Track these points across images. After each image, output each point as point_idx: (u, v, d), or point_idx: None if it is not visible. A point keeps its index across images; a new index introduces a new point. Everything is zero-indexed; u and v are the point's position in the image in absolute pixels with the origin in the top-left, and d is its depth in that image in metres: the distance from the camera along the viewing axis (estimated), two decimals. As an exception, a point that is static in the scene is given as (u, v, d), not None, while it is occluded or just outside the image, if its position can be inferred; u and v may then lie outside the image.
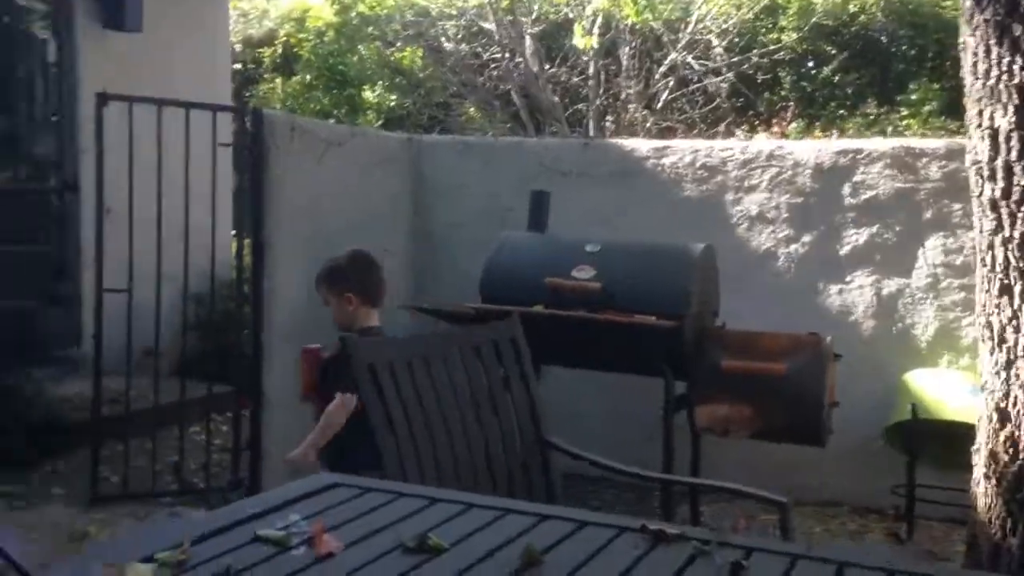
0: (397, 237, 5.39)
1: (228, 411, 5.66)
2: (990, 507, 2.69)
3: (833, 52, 8.51)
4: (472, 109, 8.40)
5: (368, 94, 8.43)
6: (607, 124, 8.26)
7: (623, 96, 8.12)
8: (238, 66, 8.21)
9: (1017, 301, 2.56)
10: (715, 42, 8.38)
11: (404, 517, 1.72)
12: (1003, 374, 2.62)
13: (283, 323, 4.67)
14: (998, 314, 2.63)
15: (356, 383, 2.88)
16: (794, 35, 8.44)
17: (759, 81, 8.65)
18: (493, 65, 8.39)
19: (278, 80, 8.95)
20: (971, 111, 2.74)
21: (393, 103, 8.37)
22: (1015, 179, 2.56)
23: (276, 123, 4.54)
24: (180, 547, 1.51)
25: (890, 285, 4.68)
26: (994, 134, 2.61)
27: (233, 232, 6.68)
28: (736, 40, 8.46)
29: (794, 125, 8.02)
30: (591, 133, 8.14)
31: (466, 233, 5.23)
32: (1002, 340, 2.62)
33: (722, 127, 8.33)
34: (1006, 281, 2.59)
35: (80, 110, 6.12)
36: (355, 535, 1.61)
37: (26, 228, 6.30)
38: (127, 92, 4.46)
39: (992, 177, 2.62)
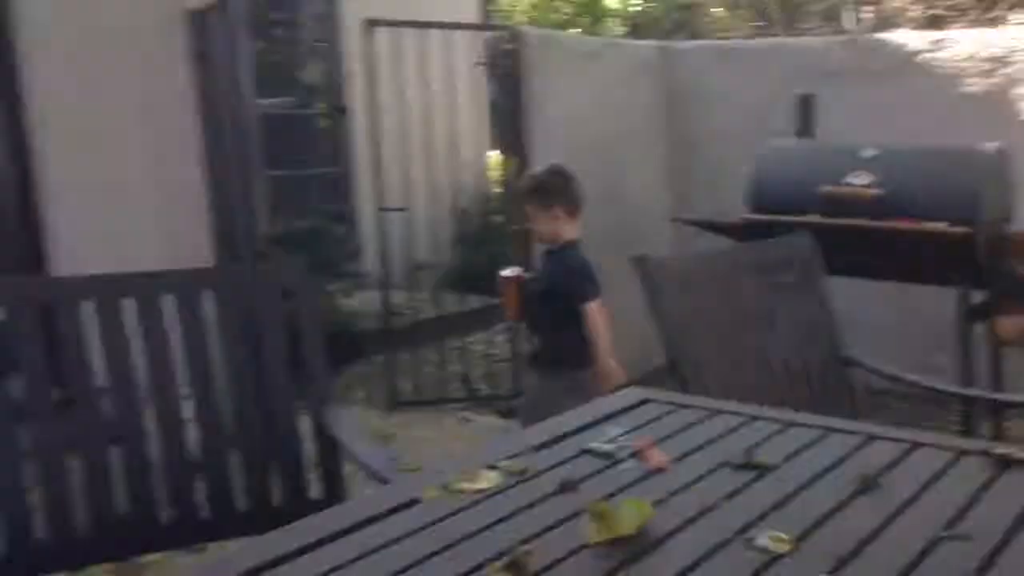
0: (653, 148, 5.35)
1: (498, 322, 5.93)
2: None
3: None
4: (718, 9, 8.09)
5: (610, 1, 8.30)
6: (865, 16, 7.71)
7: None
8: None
9: None
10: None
11: (723, 434, 1.74)
12: None
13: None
14: None
15: (595, 286, 3.17)
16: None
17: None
18: (741, -40, 8.03)
19: (522, -6, 8.98)
20: None
21: (637, 8, 8.19)
22: None
23: (533, 40, 4.59)
24: (520, 457, 1.62)
25: None
26: None
27: (492, 152, 6.86)
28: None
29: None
30: (847, 26, 7.64)
31: (725, 141, 5.09)
32: None
33: (998, 12, 7.58)
34: None
35: (344, 36, 6.43)
36: (677, 450, 1.66)
37: (303, 151, 6.77)
38: (382, 16, 4.60)
39: None
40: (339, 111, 6.53)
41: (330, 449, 2.26)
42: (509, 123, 4.69)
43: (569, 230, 3.28)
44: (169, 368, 2.13)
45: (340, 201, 6.72)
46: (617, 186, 5.14)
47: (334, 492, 2.29)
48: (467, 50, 4.74)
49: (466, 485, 1.52)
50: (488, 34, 5.35)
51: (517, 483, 1.54)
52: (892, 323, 4.57)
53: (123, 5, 3.90)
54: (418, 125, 4.72)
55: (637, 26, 8.13)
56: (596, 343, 3.18)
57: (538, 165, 4.66)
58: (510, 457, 1.62)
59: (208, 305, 2.19)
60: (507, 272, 3.33)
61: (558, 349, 3.24)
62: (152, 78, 4.02)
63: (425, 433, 4.38)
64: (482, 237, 6.29)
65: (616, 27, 8.14)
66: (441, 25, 4.53)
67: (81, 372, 2.04)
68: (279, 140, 6.27)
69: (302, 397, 2.26)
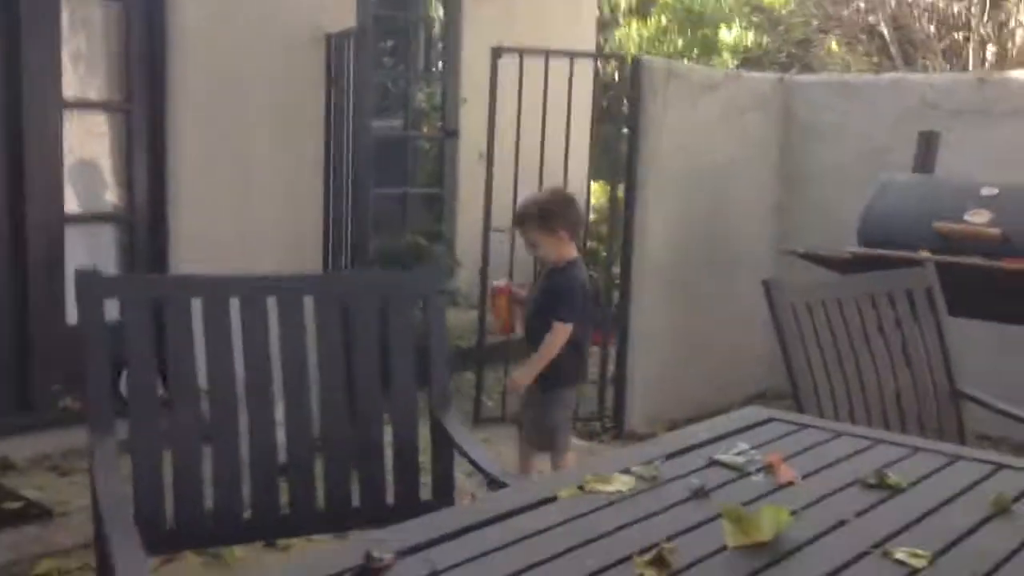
0: (763, 179, 5.35)
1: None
2: None
3: None
4: (834, 44, 8.03)
5: (724, 34, 8.32)
6: (989, 55, 7.57)
7: (1011, 23, 7.39)
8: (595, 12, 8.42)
9: None
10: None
11: (850, 455, 1.75)
12: None
13: (651, 262, 4.83)
14: None
15: (572, 312, 3.22)
16: None
17: None
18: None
19: (634, 24, 9.07)
20: None
21: (751, 42, 8.20)
22: None
23: (654, 69, 4.65)
24: (652, 464, 1.66)
25: None
26: None
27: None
28: None
29: None
30: (970, 66, 7.50)
31: (839, 175, 5.06)
32: None
33: None
34: None
35: (461, 61, 6.60)
36: (805, 468, 1.68)
37: (406, 171, 6.94)
38: (500, 43, 4.70)
39: None
40: (449, 134, 6.68)
41: (446, 452, 2.33)
42: (614, 151, 4.73)
43: (571, 250, 3.37)
44: (299, 367, 2.23)
45: (439, 221, 6.87)
46: (722, 215, 5.16)
47: (444, 494, 2.36)
48: (579, 78, 4.79)
49: (600, 487, 1.57)
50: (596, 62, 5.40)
51: (649, 488, 1.58)
52: (1003, 365, 4.46)
53: (267, 25, 4.10)
54: (528, 150, 4.78)
55: (749, 60, 8.13)
56: (541, 354, 3.26)
57: (650, 192, 4.75)
58: (642, 464, 1.66)
59: (336, 308, 2.29)
60: (498, 283, 3.39)
61: (555, 366, 3.30)
62: (286, 95, 4.22)
63: (505, 449, 4.44)
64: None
65: (729, 60, 8.15)
66: (564, 53, 4.61)
67: (222, 367, 2.15)
68: (385, 160, 6.47)
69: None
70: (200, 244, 3.96)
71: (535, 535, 1.40)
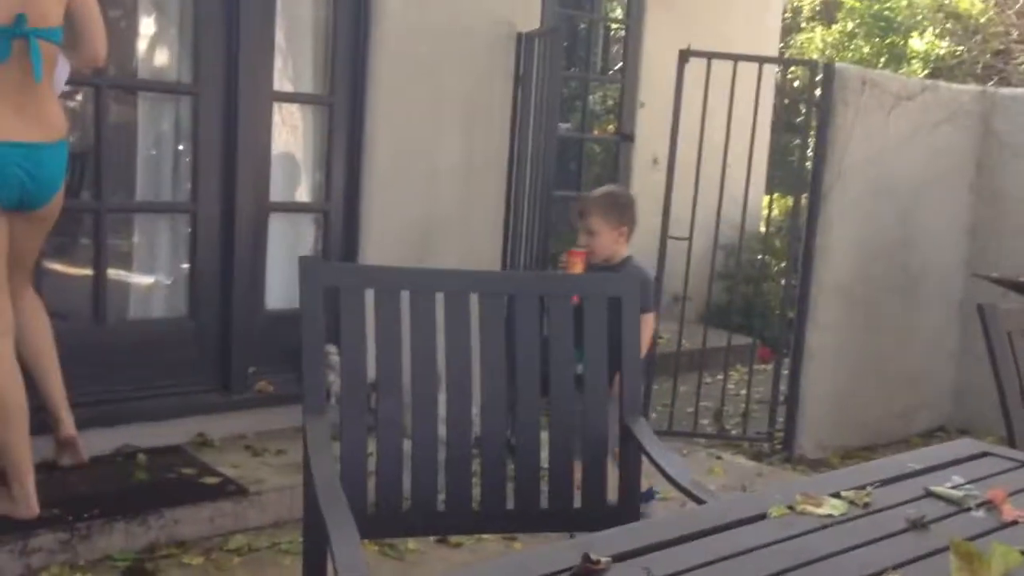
0: (957, 196, 5.11)
1: (748, 362, 5.86)
2: None
3: None
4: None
5: (915, 42, 7.97)
6: None
7: None
8: (776, 16, 8.22)
9: None
10: None
11: (1080, 499, 1.66)
12: None
13: (831, 279, 4.69)
14: None
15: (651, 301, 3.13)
16: None
17: None
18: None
19: (817, 29, 8.81)
20: None
21: (943, 51, 7.83)
22: None
23: (847, 77, 4.51)
24: (864, 489, 1.63)
25: None
26: None
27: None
28: None
29: None
30: None
31: (1043, 196, 4.80)
32: None
33: None
34: None
35: (642, 64, 6.58)
36: (1029, 508, 1.60)
37: (578, 174, 6.97)
38: (681, 46, 4.65)
39: None
40: (626, 138, 6.67)
41: (634, 459, 2.34)
42: (793, 161, 4.60)
43: (625, 248, 3.33)
44: (498, 363, 2.28)
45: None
46: (910, 233, 4.96)
47: (630, 501, 2.36)
48: (755, 83, 4.68)
49: (811, 508, 1.55)
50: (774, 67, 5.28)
51: (862, 515, 1.55)
52: None
53: (463, 23, 4.22)
54: (705, 156, 4.71)
55: (940, 70, 7.76)
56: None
57: (834, 206, 4.60)
58: (853, 489, 1.62)
59: (534, 308, 2.33)
60: (577, 249, 3.31)
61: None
62: (477, 93, 4.32)
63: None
64: (746, 274, 6.24)
65: (919, 70, 7.81)
66: (753, 58, 4.54)
67: (424, 358, 2.22)
68: (558, 161, 6.51)
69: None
70: (387, 236, 4.11)
71: (749, 552, 1.39)
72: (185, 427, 3.69)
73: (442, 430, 2.23)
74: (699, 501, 1.88)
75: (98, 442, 3.44)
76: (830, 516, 1.53)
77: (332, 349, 4.02)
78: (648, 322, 3.19)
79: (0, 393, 2.86)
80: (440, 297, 2.22)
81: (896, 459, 1.80)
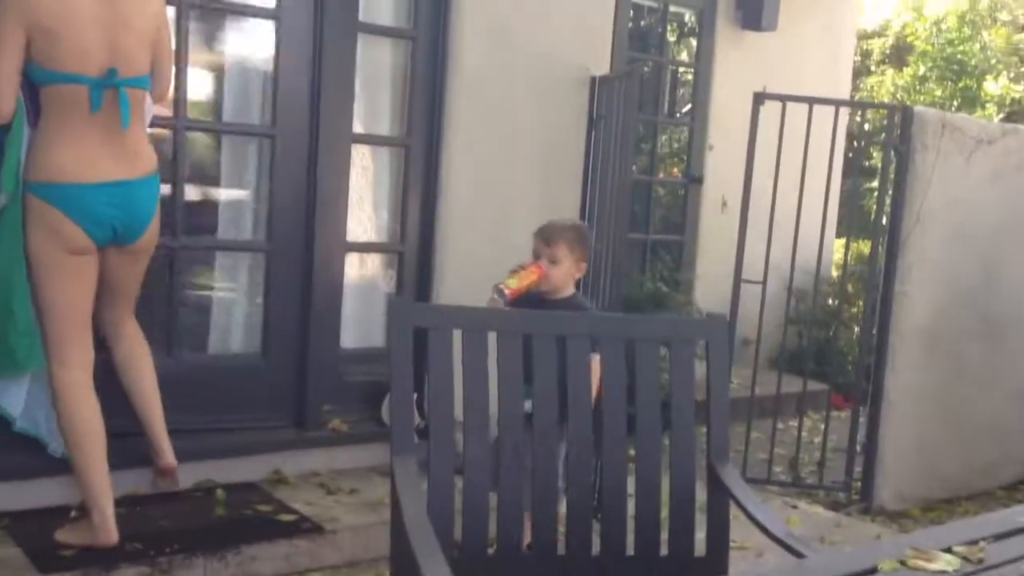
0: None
1: (822, 409, 5.74)
2: None
3: None
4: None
5: (990, 85, 7.84)
6: None
7: None
8: (846, 60, 8.16)
9: None
10: None
11: None
12: None
13: (910, 325, 4.58)
14: None
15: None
16: None
17: None
18: None
19: (888, 72, 8.72)
20: None
21: (1019, 94, 7.68)
22: None
23: (927, 120, 4.44)
24: (977, 544, 1.57)
25: None
26: None
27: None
28: None
29: None
30: None
31: None
32: None
33: None
34: None
35: (711, 107, 6.57)
36: None
37: (645, 216, 6.93)
38: (753, 89, 4.60)
39: None
40: (695, 181, 6.64)
41: (722, 507, 2.30)
42: (863, 205, 4.52)
43: (572, 285, 3.20)
44: (585, 406, 2.26)
45: (679, 268, 6.80)
46: (993, 279, 4.84)
47: (718, 550, 2.32)
48: (828, 127, 4.62)
49: (924, 564, 1.49)
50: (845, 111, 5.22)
51: (976, 571, 1.49)
52: None
53: (538, 66, 4.26)
54: (775, 199, 4.64)
55: (1016, 114, 7.61)
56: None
57: (914, 253, 4.51)
58: (965, 543, 1.57)
59: (620, 351, 2.31)
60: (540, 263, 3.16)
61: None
62: (551, 135, 4.35)
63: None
64: (817, 319, 6.13)
65: (993, 114, 7.67)
66: (829, 101, 4.50)
67: (511, 400, 2.21)
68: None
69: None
70: (461, 276, 4.13)
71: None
72: (261, 463, 3.72)
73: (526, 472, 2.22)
74: (797, 554, 1.83)
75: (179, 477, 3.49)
76: (944, 573, 1.47)
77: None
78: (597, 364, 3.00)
79: (76, 423, 2.95)
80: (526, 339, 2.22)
81: (1006, 513, 1.74)
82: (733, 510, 2.19)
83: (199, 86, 3.93)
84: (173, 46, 3.22)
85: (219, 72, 3.95)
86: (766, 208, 4.55)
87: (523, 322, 2.26)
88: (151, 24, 2.99)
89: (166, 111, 3.45)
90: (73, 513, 3.16)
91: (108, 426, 3.03)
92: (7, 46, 2.73)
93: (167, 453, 3.30)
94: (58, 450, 3.16)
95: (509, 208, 4.26)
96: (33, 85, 2.85)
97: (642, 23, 7.19)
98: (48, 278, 2.92)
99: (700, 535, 2.29)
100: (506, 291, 3.00)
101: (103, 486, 2.97)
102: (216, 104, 4.00)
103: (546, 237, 3.19)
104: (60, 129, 2.86)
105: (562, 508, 2.26)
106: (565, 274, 3.15)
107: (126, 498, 3.30)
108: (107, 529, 2.95)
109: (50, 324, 2.95)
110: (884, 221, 4.81)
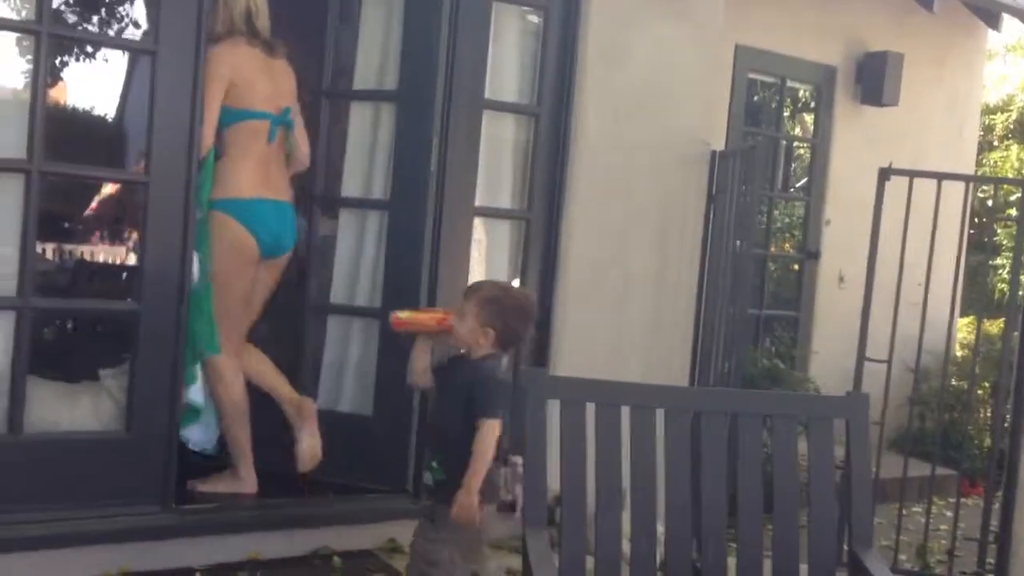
0: None
1: (948, 495, 5.47)
2: None
3: None
4: None
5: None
6: None
7: None
8: (968, 134, 7.98)
9: None
10: None
11: None
12: None
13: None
14: None
15: (502, 408, 2.73)
16: None
17: None
18: None
19: (1012, 147, 8.49)
20: None
21: None
22: None
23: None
24: None
25: None
26: None
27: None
28: None
29: None
30: None
31: None
32: None
33: None
34: None
35: (828, 181, 6.48)
36: None
37: (757, 290, 6.83)
38: (873, 164, 4.50)
39: None
40: (811, 256, 6.53)
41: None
42: (986, 280, 4.35)
43: (486, 349, 2.89)
44: (721, 485, 2.21)
45: (795, 344, 6.66)
46: None
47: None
48: (952, 203, 4.49)
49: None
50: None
51: None
52: None
53: (659, 141, 4.28)
54: (891, 276, 4.50)
55: None
56: (473, 467, 2.73)
57: None
58: None
59: (758, 428, 2.25)
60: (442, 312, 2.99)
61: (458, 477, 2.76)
62: (670, 209, 4.34)
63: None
64: (941, 401, 5.89)
65: None
66: (958, 177, 4.40)
67: (644, 474, 2.18)
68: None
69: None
70: (578, 348, 4.11)
71: None
72: (376, 531, 3.73)
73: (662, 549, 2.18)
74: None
75: (296, 543, 3.52)
76: None
77: (519, 460, 4.02)
78: (491, 428, 2.76)
79: (235, 400, 3.62)
80: (661, 413, 2.19)
81: None
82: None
83: (327, 158, 4.09)
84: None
85: (339, 146, 4.09)
86: (886, 284, 4.43)
87: (656, 396, 2.23)
88: (290, 84, 3.79)
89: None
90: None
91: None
92: (214, 99, 3.47)
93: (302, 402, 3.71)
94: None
95: (628, 282, 4.25)
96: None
97: (755, 98, 7.19)
98: (224, 280, 3.56)
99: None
100: (392, 315, 3.01)
101: (248, 447, 3.64)
102: (338, 176, 4.12)
103: (465, 290, 3.10)
104: (244, 156, 3.59)
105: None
106: (468, 333, 2.89)
107: (247, 562, 3.35)
108: (252, 481, 3.63)
109: (220, 318, 3.56)
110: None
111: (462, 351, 2.96)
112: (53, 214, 6.83)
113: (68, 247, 7.52)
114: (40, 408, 3.27)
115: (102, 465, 3.27)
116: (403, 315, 3.02)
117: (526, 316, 2.95)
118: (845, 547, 2.25)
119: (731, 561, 2.16)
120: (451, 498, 2.77)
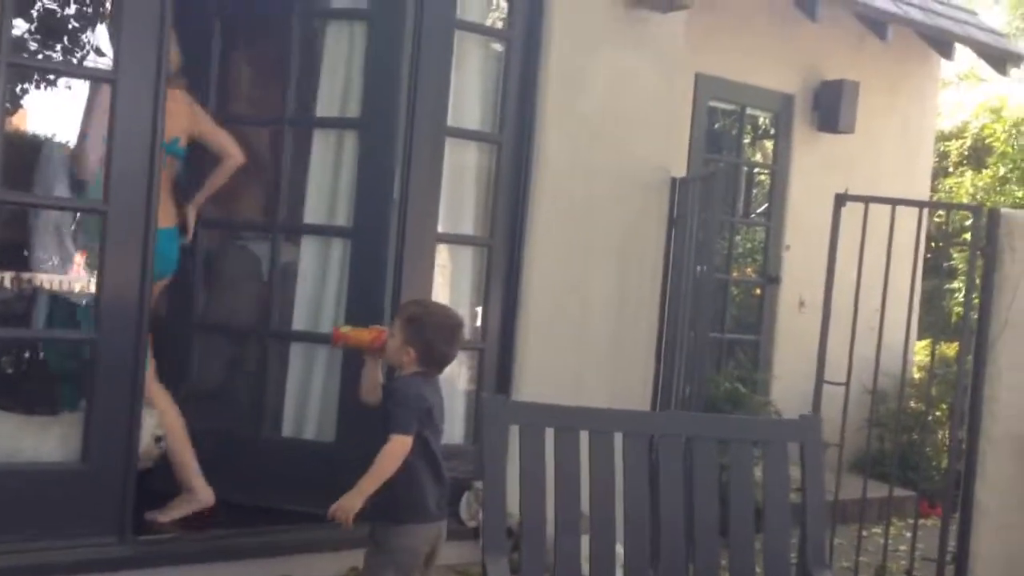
0: None
1: (907, 516, 5.53)
2: None
3: None
4: None
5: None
6: None
7: None
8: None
9: None
10: None
11: None
12: None
13: (1001, 430, 4.44)
14: None
15: (413, 423, 2.78)
16: None
17: None
18: None
19: (967, 173, 8.66)
20: None
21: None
22: None
23: (1015, 223, 4.38)
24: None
25: None
26: None
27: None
28: None
29: None
30: None
31: None
32: None
33: None
34: None
35: (787, 207, 6.57)
36: None
37: (726, 316, 6.90)
38: (830, 190, 4.58)
39: None
40: (772, 281, 6.61)
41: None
42: (941, 307, 4.41)
43: (411, 367, 2.98)
44: (679, 508, 2.23)
45: (755, 368, 6.72)
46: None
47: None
48: (907, 229, 4.58)
49: None
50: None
51: None
52: None
53: (619, 167, 4.34)
54: (849, 301, 4.57)
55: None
56: (369, 472, 2.83)
57: (1002, 357, 4.40)
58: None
59: (713, 451, 2.28)
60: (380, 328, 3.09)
61: (391, 490, 2.84)
62: (631, 236, 4.39)
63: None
64: (899, 423, 5.98)
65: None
66: (913, 203, 4.50)
67: (603, 498, 2.20)
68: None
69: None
70: (540, 371, 4.14)
71: None
72: (338, 560, 3.70)
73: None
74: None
75: (257, 572, 3.50)
76: None
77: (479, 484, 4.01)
78: (395, 443, 2.83)
79: (172, 419, 3.63)
80: (619, 438, 2.22)
81: None
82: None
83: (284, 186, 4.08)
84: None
85: (302, 170, 4.09)
86: (844, 308, 4.49)
87: (615, 421, 2.26)
88: (183, 113, 3.79)
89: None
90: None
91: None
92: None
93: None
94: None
95: (589, 307, 4.29)
96: None
97: (716, 125, 7.30)
98: None
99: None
100: (334, 329, 3.21)
101: (194, 462, 3.70)
102: (299, 203, 4.12)
103: (399, 307, 3.20)
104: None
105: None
106: (395, 351, 2.98)
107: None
108: (208, 493, 3.66)
109: None
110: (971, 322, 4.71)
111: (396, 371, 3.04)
112: (9, 241, 6.75)
113: (25, 275, 7.42)
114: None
115: (59, 495, 3.23)
116: (344, 329, 3.15)
117: (447, 334, 2.98)
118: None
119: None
120: (387, 515, 2.87)
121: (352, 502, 2.82)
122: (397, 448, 2.80)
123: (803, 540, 2.22)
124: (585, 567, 2.15)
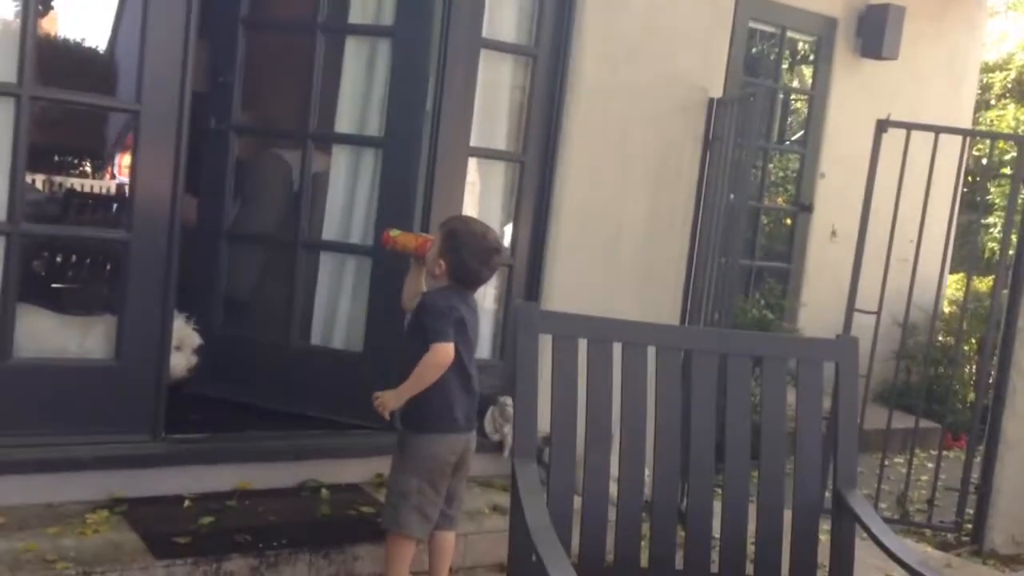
0: None
1: (931, 448, 5.55)
2: None
3: None
4: None
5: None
6: None
7: None
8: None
9: None
10: None
11: None
12: None
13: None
14: None
15: (450, 331, 2.79)
16: None
17: None
18: None
19: (1009, 106, 8.46)
20: None
21: None
22: None
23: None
24: None
25: None
26: None
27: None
28: None
29: None
30: None
31: None
32: None
33: None
34: None
35: (824, 134, 6.45)
36: None
37: (756, 243, 6.84)
38: (870, 118, 4.49)
39: None
40: (805, 209, 6.52)
41: (847, 533, 2.23)
42: (977, 239, 4.35)
43: (442, 279, 3.00)
44: (710, 421, 2.22)
45: (784, 296, 6.68)
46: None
47: (842, 572, 2.25)
48: (946, 160, 4.47)
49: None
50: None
51: None
52: None
53: (657, 87, 4.25)
54: (887, 230, 4.49)
55: None
56: (411, 376, 2.85)
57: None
58: None
59: (747, 368, 2.26)
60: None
61: (421, 403, 2.89)
62: (666, 156, 4.32)
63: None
64: (928, 355, 5.95)
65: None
66: (957, 131, 4.39)
67: (635, 411, 2.19)
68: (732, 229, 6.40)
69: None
70: (569, 291, 4.12)
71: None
72: (364, 466, 3.75)
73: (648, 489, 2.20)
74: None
75: (284, 475, 3.55)
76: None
77: (508, 401, 4.03)
78: (436, 350, 2.83)
79: None
80: (652, 351, 2.20)
81: None
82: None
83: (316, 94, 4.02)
84: None
85: (333, 81, 4.03)
86: (878, 237, 4.43)
87: (649, 334, 2.24)
88: None
89: None
90: (186, 503, 3.25)
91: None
92: None
93: None
94: None
95: (621, 224, 4.25)
96: None
97: (753, 50, 7.12)
98: None
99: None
100: (384, 231, 3.20)
101: None
102: (332, 111, 4.07)
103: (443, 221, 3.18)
104: None
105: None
106: (431, 261, 3.01)
107: (236, 492, 3.38)
108: None
109: None
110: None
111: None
112: (43, 143, 6.76)
113: (58, 177, 7.46)
114: (30, 335, 3.27)
115: (92, 393, 3.28)
116: (393, 233, 3.17)
117: (482, 255, 2.96)
118: (828, 493, 2.30)
119: (716, 505, 2.19)
120: (413, 424, 2.93)
121: (387, 398, 2.91)
122: (441, 356, 2.82)
123: (835, 460, 2.21)
124: (612, 486, 2.15)
